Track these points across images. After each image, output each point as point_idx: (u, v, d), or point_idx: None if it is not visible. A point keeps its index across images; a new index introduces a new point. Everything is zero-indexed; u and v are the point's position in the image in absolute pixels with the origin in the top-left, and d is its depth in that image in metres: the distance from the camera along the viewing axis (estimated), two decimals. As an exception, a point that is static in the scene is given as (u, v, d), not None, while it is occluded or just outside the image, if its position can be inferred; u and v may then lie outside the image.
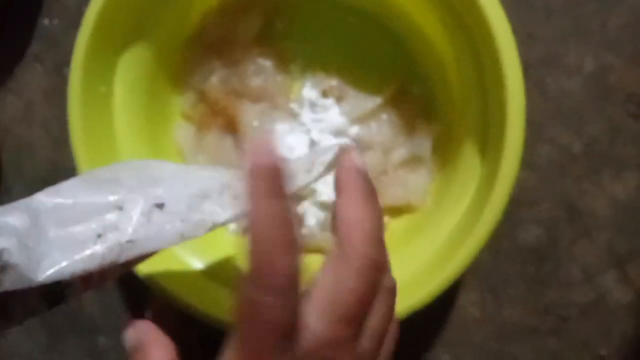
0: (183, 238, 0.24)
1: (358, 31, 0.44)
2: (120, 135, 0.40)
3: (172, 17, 0.41)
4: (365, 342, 0.23)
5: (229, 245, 0.42)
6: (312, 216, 0.43)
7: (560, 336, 0.44)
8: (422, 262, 0.37)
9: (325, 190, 0.43)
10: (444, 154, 0.42)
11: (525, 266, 0.44)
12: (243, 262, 0.21)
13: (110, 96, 0.39)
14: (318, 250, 0.43)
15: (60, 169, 0.48)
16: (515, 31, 0.32)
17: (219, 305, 0.37)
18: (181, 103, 0.45)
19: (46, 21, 0.48)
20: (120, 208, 0.23)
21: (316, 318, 0.21)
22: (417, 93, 0.44)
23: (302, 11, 0.44)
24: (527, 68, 0.44)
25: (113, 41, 0.38)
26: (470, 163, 0.37)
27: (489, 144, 0.35)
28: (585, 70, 0.44)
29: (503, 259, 0.44)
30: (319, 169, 0.26)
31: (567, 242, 0.44)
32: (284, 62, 0.45)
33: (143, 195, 0.24)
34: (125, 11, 0.38)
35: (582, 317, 0.44)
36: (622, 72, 0.44)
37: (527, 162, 0.44)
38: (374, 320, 0.23)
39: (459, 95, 0.39)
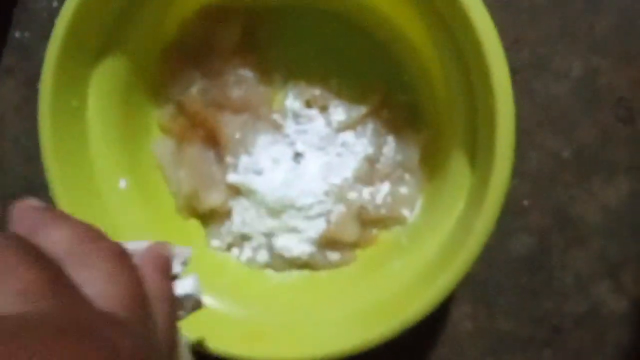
0: None
1: (341, 39, 0.43)
2: (94, 150, 0.38)
3: (148, 27, 0.40)
4: None
5: (214, 266, 0.41)
6: (301, 245, 0.42)
7: (555, 347, 0.43)
8: (413, 276, 0.36)
9: (311, 227, 0.42)
10: (432, 163, 0.41)
11: (517, 276, 0.43)
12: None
13: (83, 110, 0.38)
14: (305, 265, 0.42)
15: (34, 185, 0.46)
16: (501, 35, 0.31)
17: (201, 328, 0.35)
18: (159, 116, 0.44)
19: (17, 34, 0.47)
20: None
21: None
22: (403, 101, 0.42)
23: (283, 19, 0.43)
24: (514, 73, 0.43)
25: (85, 52, 0.37)
26: (459, 172, 0.36)
27: (479, 152, 0.34)
28: (573, 74, 0.43)
29: (495, 269, 0.43)
30: None
31: (559, 250, 0.43)
32: (265, 72, 0.43)
33: None
34: (97, 21, 0.36)
35: (576, 327, 0.43)
36: (611, 76, 0.43)
37: (517, 169, 0.42)
38: None
39: (446, 103, 0.38)
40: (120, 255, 0.22)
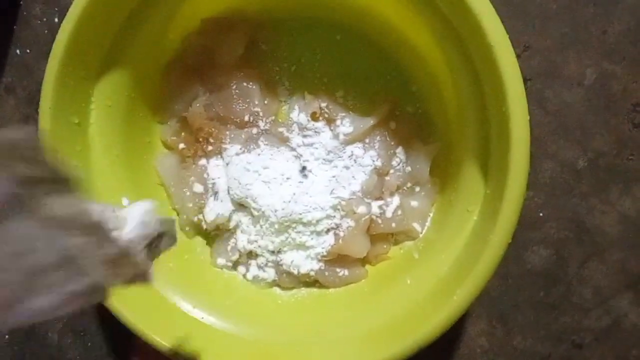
0: None
1: (346, 49, 0.42)
2: (96, 168, 0.37)
3: (149, 42, 0.39)
4: None
5: (220, 285, 0.40)
6: (309, 261, 0.40)
7: (576, 364, 0.41)
8: (426, 292, 0.34)
9: (319, 243, 0.40)
10: (443, 175, 0.39)
11: (534, 291, 0.41)
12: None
13: (85, 127, 0.37)
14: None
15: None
16: (511, 42, 0.30)
17: (207, 350, 0.34)
18: (163, 132, 0.43)
19: (18, 51, 0.46)
20: None
21: None
22: (411, 112, 0.41)
23: (287, 30, 0.42)
24: (525, 81, 0.42)
25: (86, 69, 0.36)
26: (472, 184, 0.35)
27: (492, 163, 0.33)
28: (586, 80, 0.42)
29: (511, 284, 0.42)
30: None
31: (577, 263, 0.41)
32: (270, 85, 0.43)
33: None
34: (97, 38, 0.36)
35: (597, 343, 0.41)
36: (626, 81, 0.41)
37: (531, 180, 0.41)
38: None
39: (456, 113, 0.37)
40: None
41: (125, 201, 0.38)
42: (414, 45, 0.39)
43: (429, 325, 0.32)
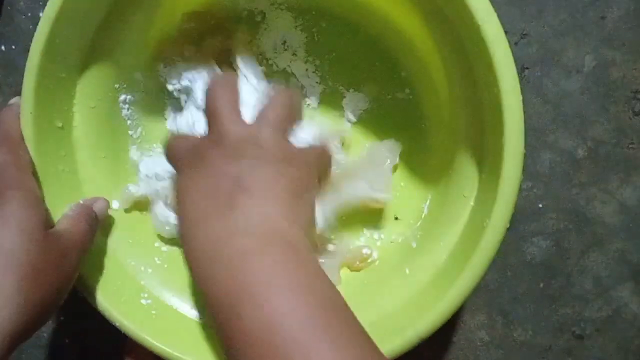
0: None
1: (331, 36, 0.41)
2: (83, 172, 0.36)
3: (131, 38, 0.37)
4: None
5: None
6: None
7: (576, 356, 0.41)
8: (424, 282, 0.33)
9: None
10: (438, 161, 0.38)
11: (534, 282, 0.41)
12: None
13: (69, 130, 0.36)
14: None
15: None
16: (508, 30, 0.29)
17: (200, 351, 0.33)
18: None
19: (3, 47, 0.45)
20: None
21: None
22: (401, 97, 0.40)
23: (270, 20, 0.41)
24: (523, 70, 0.41)
25: (66, 69, 0.34)
26: (467, 171, 0.34)
27: (486, 148, 0.31)
28: (585, 68, 0.41)
29: (510, 276, 0.41)
30: None
31: (577, 254, 0.41)
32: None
33: None
34: (76, 36, 0.34)
35: (598, 333, 0.41)
36: (626, 68, 0.41)
37: (529, 170, 0.41)
38: None
39: (447, 97, 0.36)
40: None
41: (115, 204, 0.37)
42: (401, 29, 0.37)
43: (430, 316, 0.30)
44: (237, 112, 0.30)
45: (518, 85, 0.28)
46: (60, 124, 0.35)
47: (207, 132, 0.30)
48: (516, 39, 0.41)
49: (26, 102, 0.32)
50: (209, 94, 0.31)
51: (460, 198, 0.34)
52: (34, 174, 0.32)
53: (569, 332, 0.41)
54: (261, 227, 0.26)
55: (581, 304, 0.41)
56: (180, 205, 0.29)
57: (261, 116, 0.31)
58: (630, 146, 0.41)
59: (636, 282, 0.40)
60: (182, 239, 0.28)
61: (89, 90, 0.36)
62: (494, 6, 0.29)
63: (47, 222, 0.30)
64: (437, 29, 0.34)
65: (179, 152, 0.31)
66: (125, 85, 0.39)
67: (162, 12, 0.37)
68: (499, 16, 0.29)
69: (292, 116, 0.32)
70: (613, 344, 0.41)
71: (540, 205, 0.41)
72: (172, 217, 0.37)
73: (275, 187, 0.28)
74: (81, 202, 0.34)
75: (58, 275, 0.29)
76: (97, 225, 0.33)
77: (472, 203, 0.33)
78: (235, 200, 0.27)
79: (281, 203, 0.27)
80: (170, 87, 0.39)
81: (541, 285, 0.41)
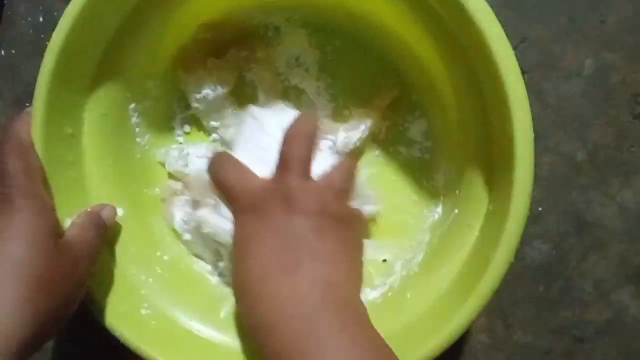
0: None
1: (345, 55, 0.41)
2: (90, 179, 0.36)
3: (145, 49, 0.37)
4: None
5: (216, 297, 0.39)
6: None
7: (576, 359, 0.41)
8: (426, 308, 0.33)
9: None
10: (446, 187, 0.38)
11: (534, 286, 0.41)
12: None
13: (78, 137, 0.35)
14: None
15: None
16: (507, 34, 0.29)
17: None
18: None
19: (3, 52, 0.45)
20: None
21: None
22: (411, 120, 0.41)
23: (283, 37, 0.41)
24: (523, 74, 0.41)
25: (79, 78, 0.34)
26: (474, 198, 0.33)
27: (495, 180, 0.31)
28: (584, 71, 0.41)
29: (510, 279, 0.41)
30: None
31: (577, 257, 0.41)
32: (269, 91, 0.42)
33: None
34: (90, 46, 0.34)
35: (598, 337, 0.41)
36: (625, 71, 0.41)
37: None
38: None
39: (457, 125, 0.36)
40: None
41: (120, 212, 0.37)
42: (415, 53, 0.37)
43: (429, 343, 0.30)
44: (308, 167, 0.31)
45: (531, 126, 0.29)
46: (70, 131, 0.35)
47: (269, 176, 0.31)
48: (516, 42, 0.41)
49: (37, 108, 0.32)
50: (287, 140, 0.31)
51: (465, 226, 0.33)
52: (45, 181, 0.32)
53: (569, 335, 0.41)
54: (326, 291, 0.28)
55: (581, 307, 0.41)
56: (241, 253, 0.30)
57: (328, 178, 0.31)
58: (630, 149, 0.41)
59: (636, 285, 0.41)
60: (242, 289, 0.30)
61: (100, 98, 0.36)
62: (492, 9, 0.29)
63: (57, 231, 0.30)
64: (448, 53, 0.34)
65: (234, 188, 0.31)
66: (137, 93, 0.39)
67: (176, 23, 0.37)
68: (498, 18, 0.29)
69: (353, 183, 0.33)
70: (613, 347, 0.41)
71: (541, 209, 0.41)
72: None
73: (337, 250, 0.29)
74: (89, 209, 0.34)
75: (68, 284, 0.29)
76: (105, 233, 0.33)
77: (477, 233, 0.32)
78: (301, 261, 0.28)
79: (343, 268, 0.29)
80: (191, 97, 0.40)
81: (541, 288, 0.41)
